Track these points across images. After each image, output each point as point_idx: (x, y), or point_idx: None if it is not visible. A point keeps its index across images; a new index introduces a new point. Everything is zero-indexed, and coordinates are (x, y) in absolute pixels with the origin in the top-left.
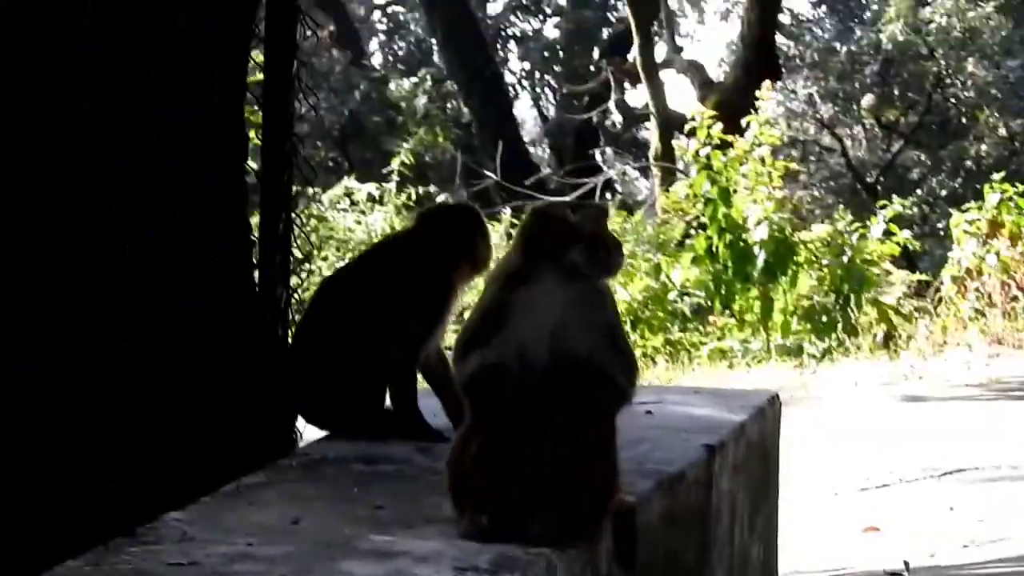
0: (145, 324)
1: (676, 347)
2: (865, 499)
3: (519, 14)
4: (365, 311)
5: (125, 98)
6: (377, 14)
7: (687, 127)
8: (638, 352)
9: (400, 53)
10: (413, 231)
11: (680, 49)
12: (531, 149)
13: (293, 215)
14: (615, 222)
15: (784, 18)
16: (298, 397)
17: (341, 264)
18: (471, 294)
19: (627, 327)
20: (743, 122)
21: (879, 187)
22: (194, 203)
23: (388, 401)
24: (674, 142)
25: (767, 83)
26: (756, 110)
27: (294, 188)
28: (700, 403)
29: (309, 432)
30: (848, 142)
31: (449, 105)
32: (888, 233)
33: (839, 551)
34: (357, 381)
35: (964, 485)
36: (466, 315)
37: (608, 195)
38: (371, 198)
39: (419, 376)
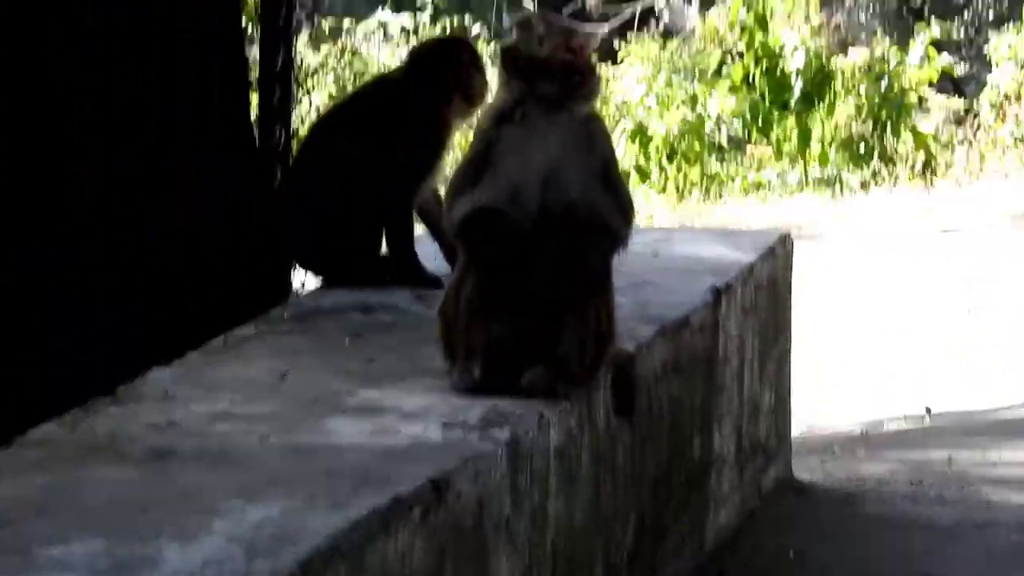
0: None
1: (712, 180)
2: (889, 334)
3: None
4: (358, 152)
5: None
6: None
7: None
8: (671, 185)
9: None
10: (405, 68)
11: None
12: None
13: (293, 49)
14: (649, 51)
15: None
16: (293, 244)
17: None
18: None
19: (663, 160)
20: None
21: (925, 10)
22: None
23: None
24: None
25: None
26: None
27: (295, 20)
28: (708, 243)
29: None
30: None
31: None
32: (928, 58)
33: (863, 398)
34: (353, 225)
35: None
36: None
37: (651, 23)
38: (405, 31)
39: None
